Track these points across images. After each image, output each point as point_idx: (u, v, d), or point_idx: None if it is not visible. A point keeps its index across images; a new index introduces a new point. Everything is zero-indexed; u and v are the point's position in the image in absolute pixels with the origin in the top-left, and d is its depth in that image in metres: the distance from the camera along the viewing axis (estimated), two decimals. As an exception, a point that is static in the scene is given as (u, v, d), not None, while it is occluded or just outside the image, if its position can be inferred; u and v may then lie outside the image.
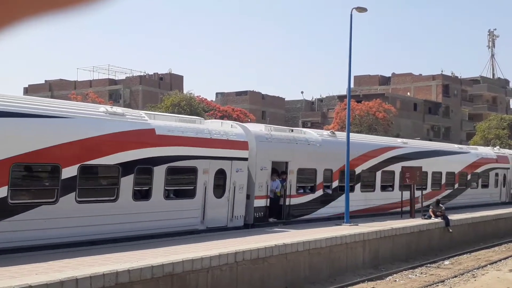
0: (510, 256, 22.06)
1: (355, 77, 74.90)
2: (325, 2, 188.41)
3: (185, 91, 59.49)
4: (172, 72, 75.83)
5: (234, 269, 13.47)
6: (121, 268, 10.84)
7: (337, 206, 22.19)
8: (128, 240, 14.54)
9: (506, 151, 38.94)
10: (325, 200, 22.06)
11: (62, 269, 10.48)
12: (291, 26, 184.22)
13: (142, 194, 15.52)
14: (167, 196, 16.09)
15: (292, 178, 20.42)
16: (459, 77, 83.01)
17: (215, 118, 40.59)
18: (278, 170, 20.31)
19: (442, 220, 23.70)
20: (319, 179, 21.71)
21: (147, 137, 15.45)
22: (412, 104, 73.61)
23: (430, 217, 23.56)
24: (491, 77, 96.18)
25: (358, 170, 23.43)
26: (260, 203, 19.10)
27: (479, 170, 33.10)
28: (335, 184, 22.43)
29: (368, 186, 24.49)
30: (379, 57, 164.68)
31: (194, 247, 13.82)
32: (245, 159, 18.36)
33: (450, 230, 23.96)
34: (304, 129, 23.58)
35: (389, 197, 25.32)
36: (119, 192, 14.59)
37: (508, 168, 36.34)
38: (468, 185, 32.10)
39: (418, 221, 22.73)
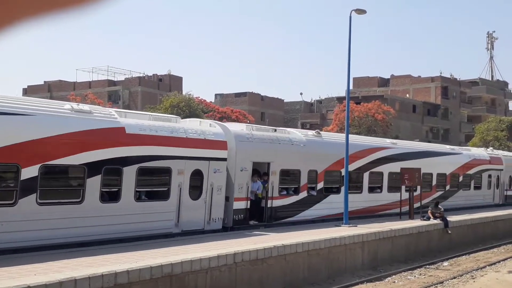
0: (509, 258, 22.07)
1: (354, 78, 74.93)
2: (325, 3, 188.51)
3: (184, 92, 59.51)
4: (171, 73, 75.89)
5: (233, 270, 13.47)
6: (120, 268, 10.84)
7: (322, 208, 21.78)
8: (96, 244, 13.80)
9: (500, 152, 38.40)
10: (309, 202, 21.43)
11: (61, 270, 10.47)
12: (291, 28, 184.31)
13: (110, 196, 14.76)
14: (138, 198, 15.38)
15: (274, 179, 19.77)
16: (458, 79, 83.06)
17: (214, 119, 40.54)
18: (260, 171, 19.73)
19: (441, 222, 23.71)
20: (303, 180, 21.07)
21: (116, 136, 14.72)
22: (411, 106, 73.65)
23: (429, 218, 23.57)
24: (490, 79, 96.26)
25: (344, 171, 22.52)
26: (240, 205, 18.43)
27: (471, 171, 32.54)
28: (320, 185, 21.81)
29: (355, 187, 23.76)
30: (378, 59, 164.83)
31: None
32: (224, 159, 17.70)
33: (449, 232, 23.97)
34: (289, 129, 22.85)
35: (377, 199, 24.79)
36: (85, 193, 13.86)
37: (502, 170, 35.81)
38: (460, 186, 31.50)
39: (417, 223, 22.72)
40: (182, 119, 19.38)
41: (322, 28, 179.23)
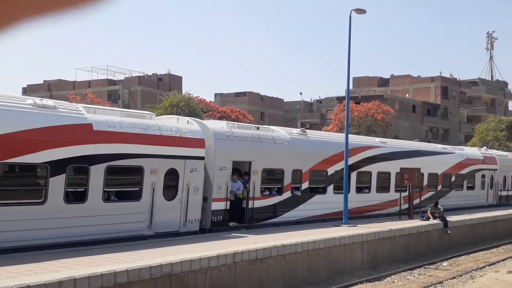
0: (508, 258, 22.07)
1: (354, 78, 74.95)
2: (325, 3, 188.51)
3: (183, 92, 59.49)
4: (171, 73, 75.90)
5: (232, 269, 13.47)
6: (120, 268, 10.84)
7: (307, 209, 21.15)
8: (68, 246, 13.18)
9: (494, 152, 37.74)
10: (293, 202, 20.74)
11: (60, 269, 10.47)
12: (291, 27, 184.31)
13: (76, 196, 14.01)
14: (107, 198, 14.59)
15: (256, 179, 19.06)
16: (457, 79, 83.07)
17: (213, 119, 40.54)
18: (242, 171, 19.12)
19: (440, 222, 23.72)
20: (287, 180, 20.36)
21: (82, 132, 13.94)
22: (410, 106, 73.66)
23: (428, 218, 23.58)
24: (490, 79, 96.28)
25: (330, 170, 22.21)
26: (218, 206, 17.71)
27: (464, 171, 31.89)
28: (305, 185, 21.13)
29: (342, 187, 22.60)
30: (378, 59, 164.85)
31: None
32: (201, 158, 16.93)
33: (449, 232, 23.98)
34: (273, 127, 22.07)
35: (365, 199, 24.12)
36: (48, 193, 13.09)
37: (496, 169, 35.09)
38: (452, 187, 30.81)
39: (416, 223, 22.73)
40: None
41: (322, 28, 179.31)
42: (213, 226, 17.55)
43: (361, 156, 23.91)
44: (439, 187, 29.57)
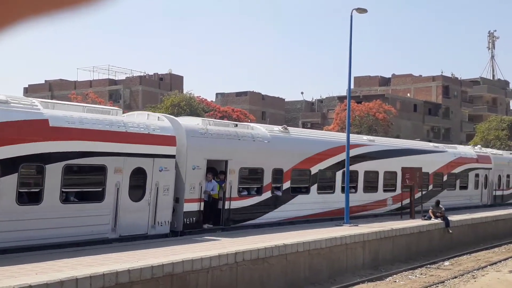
0: (510, 257, 22.05)
1: (355, 78, 74.91)
2: (326, 3, 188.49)
3: (185, 92, 59.52)
4: (172, 73, 75.92)
5: (234, 269, 13.46)
6: (121, 268, 10.84)
7: (288, 209, 20.25)
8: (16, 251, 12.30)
9: (488, 151, 36.76)
10: (274, 203, 19.82)
11: (62, 269, 10.47)
12: (292, 27, 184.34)
13: (30, 197, 13.17)
14: (65, 199, 13.64)
15: (233, 178, 18.13)
16: (459, 78, 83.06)
17: (215, 119, 40.52)
18: (218, 170, 18.27)
19: (442, 221, 23.70)
20: (267, 179, 19.42)
21: (37, 129, 13.04)
22: (412, 105, 73.65)
23: (430, 218, 23.56)
24: (491, 78, 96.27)
25: (314, 169, 21.37)
26: (191, 207, 16.76)
27: (457, 170, 30.90)
28: (286, 185, 20.20)
29: (327, 187, 22.28)
30: (379, 58, 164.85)
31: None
32: (172, 156, 16.03)
33: (450, 231, 23.96)
34: (252, 124, 21.10)
35: (351, 200, 22.55)
36: None
37: (490, 169, 34.03)
38: (445, 186, 29.74)
39: (418, 222, 22.72)
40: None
41: (323, 28, 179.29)
42: (186, 228, 16.63)
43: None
44: (431, 187, 28.49)
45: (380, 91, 74.22)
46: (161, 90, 69.48)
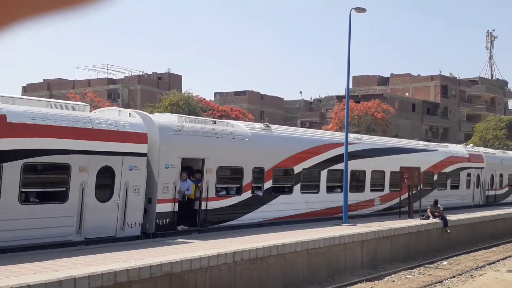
0: (508, 257, 22.08)
1: (353, 77, 75.02)
2: (325, 2, 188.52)
3: (183, 91, 59.52)
4: (171, 72, 75.92)
5: (232, 269, 13.47)
6: (120, 267, 10.84)
7: (270, 210, 19.56)
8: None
9: (481, 150, 35.85)
10: (254, 203, 19.06)
11: (61, 268, 10.47)
12: (290, 26, 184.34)
13: None
14: (24, 199, 12.92)
15: (210, 177, 17.36)
16: (457, 78, 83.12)
17: (213, 118, 40.50)
18: (195, 169, 17.54)
19: (440, 221, 23.72)
20: (247, 179, 18.68)
21: None
22: (410, 105, 73.70)
23: (428, 217, 23.58)
24: (490, 78, 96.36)
25: (297, 168, 20.67)
26: (164, 207, 15.97)
27: (447, 169, 30.11)
28: (267, 185, 19.47)
29: (311, 187, 21.60)
30: (377, 58, 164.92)
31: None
32: (143, 154, 15.21)
33: (448, 231, 23.99)
34: (232, 122, 20.42)
35: (336, 200, 22.24)
36: None
37: (483, 168, 33.23)
38: (435, 186, 28.91)
39: (416, 222, 22.74)
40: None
41: (322, 27, 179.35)
42: (159, 230, 15.85)
43: (332, 153, 22.24)
44: (420, 186, 27.03)
45: (378, 91, 74.26)
46: (160, 90, 69.48)
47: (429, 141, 43.95)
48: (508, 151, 41.83)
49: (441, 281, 16.80)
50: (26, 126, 12.74)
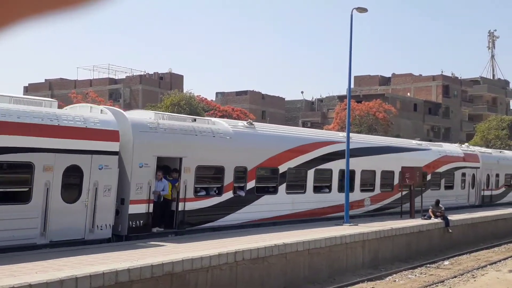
0: (509, 257, 22.06)
1: (355, 77, 74.92)
2: (326, 2, 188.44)
3: (185, 91, 59.54)
4: (172, 72, 75.93)
5: (233, 268, 13.47)
6: (121, 267, 10.85)
7: (253, 211, 18.84)
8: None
9: (476, 149, 35.01)
10: (236, 204, 18.35)
11: (62, 268, 10.49)
12: (292, 26, 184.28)
13: None
14: None
15: (188, 177, 16.60)
16: (459, 78, 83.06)
17: (215, 118, 40.48)
18: (172, 168, 16.91)
19: (442, 221, 23.71)
20: (228, 178, 17.94)
21: None
22: (412, 105, 73.64)
23: (429, 217, 23.57)
24: (491, 78, 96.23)
25: (282, 168, 19.96)
26: (138, 209, 15.18)
27: (441, 169, 29.40)
28: (250, 184, 18.76)
29: (297, 186, 20.92)
30: (379, 58, 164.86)
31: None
32: (114, 153, 14.44)
33: (450, 231, 23.97)
34: (214, 119, 19.69)
35: (324, 200, 21.80)
36: None
37: (478, 168, 32.49)
38: (428, 186, 27.94)
39: (418, 222, 22.73)
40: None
41: (324, 27, 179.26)
42: (132, 232, 15.06)
43: (319, 152, 21.55)
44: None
45: (380, 91, 74.24)
46: (161, 89, 69.49)
47: (430, 140, 43.94)
48: (505, 151, 41.29)
49: (443, 281, 16.79)
50: None
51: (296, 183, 20.91)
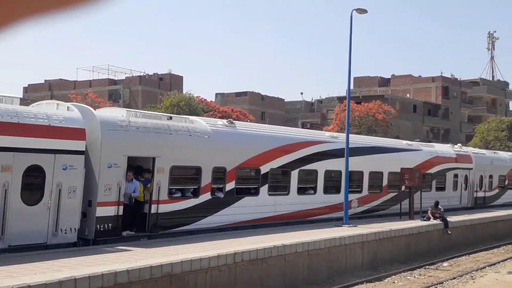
0: (508, 258, 22.07)
1: (354, 78, 74.92)
2: (326, 3, 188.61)
3: (184, 92, 59.55)
4: (172, 73, 75.94)
5: (233, 269, 13.47)
6: (120, 268, 10.84)
7: (232, 213, 18.10)
8: None
9: (469, 150, 34.38)
10: (214, 206, 17.60)
11: (61, 269, 10.48)
12: (292, 27, 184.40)
13: None
14: None
15: (162, 178, 15.80)
16: (458, 79, 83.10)
17: (214, 119, 40.49)
18: (144, 168, 16.17)
19: (441, 222, 23.72)
20: (206, 179, 17.22)
21: None
22: (411, 106, 73.68)
23: (429, 218, 23.57)
24: (491, 79, 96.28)
25: (264, 168, 19.28)
26: (106, 211, 14.38)
27: (432, 170, 28.70)
28: (230, 186, 18.05)
29: (280, 188, 20.27)
30: (379, 59, 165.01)
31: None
32: (80, 152, 13.68)
33: (449, 232, 23.98)
34: (192, 118, 18.91)
35: (309, 202, 21.16)
36: None
37: (471, 169, 31.81)
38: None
39: (417, 223, 22.73)
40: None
41: (323, 28, 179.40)
42: (99, 236, 14.27)
43: (304, 153, 20.89)
44: (403, 188, 25.42)
45: (379, 92, 74.24)
46: (161, 90, 69.49)
47: (429, 141, 43.89)
48: (499, 152, 40.83)
49: (442, 283, 16.80)
50: None
51: (279, 184, 20.29)
